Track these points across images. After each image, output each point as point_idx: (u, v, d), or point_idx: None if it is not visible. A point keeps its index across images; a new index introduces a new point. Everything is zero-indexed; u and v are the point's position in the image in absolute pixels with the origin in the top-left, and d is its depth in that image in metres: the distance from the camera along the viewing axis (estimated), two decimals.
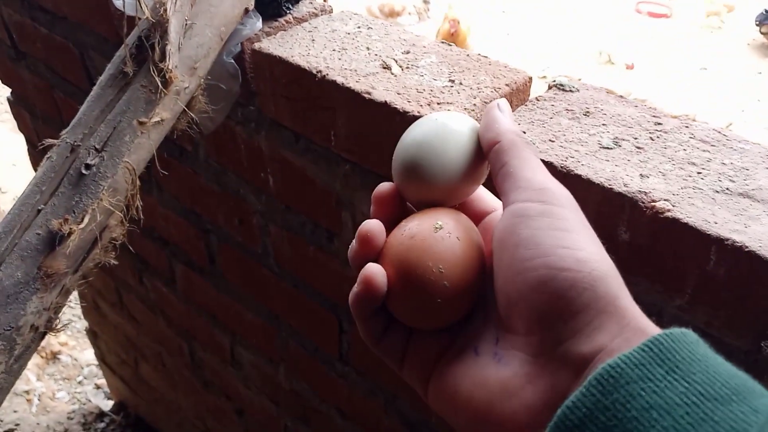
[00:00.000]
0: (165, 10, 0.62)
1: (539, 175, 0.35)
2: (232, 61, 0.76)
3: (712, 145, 0.59)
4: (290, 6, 0.80)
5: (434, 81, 0.69)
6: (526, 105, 0.65)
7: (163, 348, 1.49)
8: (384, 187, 0.40)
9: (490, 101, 0.67)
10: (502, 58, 0.73)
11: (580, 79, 0.72)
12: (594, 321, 0.31)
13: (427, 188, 0.38)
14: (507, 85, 0.68)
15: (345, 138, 0.71)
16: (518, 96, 0.70)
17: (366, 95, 0.66)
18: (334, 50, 0.73)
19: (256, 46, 0.74)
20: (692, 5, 4.86)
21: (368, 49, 0.74)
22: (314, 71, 0.69)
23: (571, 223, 0.33)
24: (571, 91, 0.66)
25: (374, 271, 0.36)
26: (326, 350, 0.96)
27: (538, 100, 0.66)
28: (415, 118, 0.64)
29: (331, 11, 0.83)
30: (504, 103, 0.39)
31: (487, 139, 0.38)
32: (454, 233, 0.36)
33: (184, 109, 0.67)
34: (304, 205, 0.82)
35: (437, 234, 0.36)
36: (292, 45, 0.74)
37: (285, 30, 0.77)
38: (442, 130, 0.39)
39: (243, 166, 0.87)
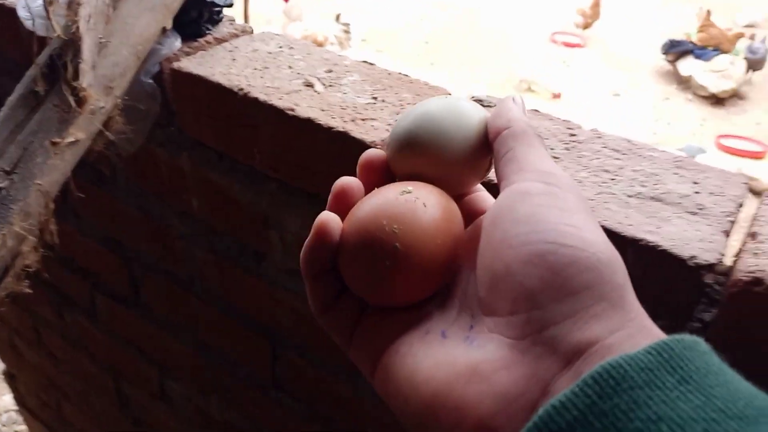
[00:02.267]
0: (77, 28, 0.61)
1: (546, 162, 0.32)
2: (151, 81, 0.74)
3: (624, 154, 0.62)
4: (210, 27, 0.80)
5: (357, 98, 0.69)
6: None
7: (88, 386, 1.42)
8: (373, 152, 0.37)
9: None
10: None
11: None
12: (593, 307, 0.27)
13: (420, 161, 0.36)
14: None
15: (269, 156, 0.70)
16: None
17: (289, 112, 0.66)
18: (255, 69, 0.73)
19: (175, 65, 0.73)
20: (604, 36, 5.13)
21: (290, 67, 0.74)
22: (235, 89, 0.69)
23: (577, 206, 0.30)
24: (489, 105, 0.68)
25: (328, 218, 0.32)
26: (259, 377, 0.94)
27: None
28: (339, 134, 0.64)
29: (252, 32, 0.83)
30: (519, 97, 0.36)
31: (497, 125, 0.34)
32: (423, 200, 0.32)
33: (100, 130, 0.66)
34: (231, 226, 0.81)
35: (402, 197, 0.32)
36: (213, 64, 0.73)
37: (205, 50, 0.77)
38: (452, 107, 0.36)
39: (165, 188, 0.85)
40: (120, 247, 1.01)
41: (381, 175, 0.37)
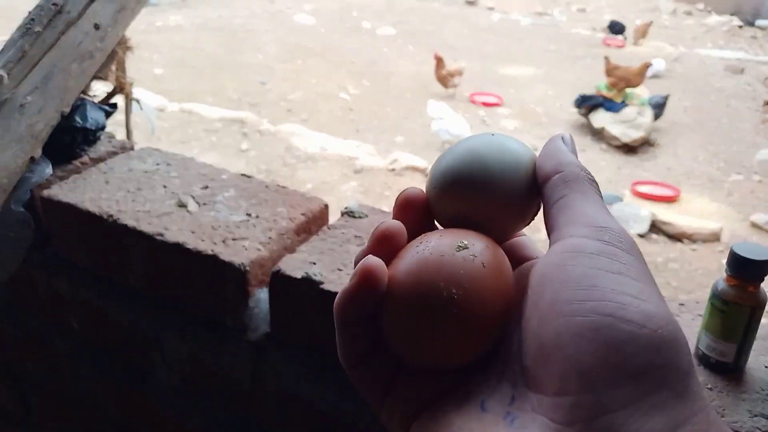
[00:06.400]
0: None
1: (601, 214, 0.29)
2: (22, 209, 0.73)
3: None
4: (86, 147, 0.80)
5: (231, 216, 0.70)
6: (318, 235, 0.68)
7: None
8: (412, 191, 0.33)
9: (285, 232, 0.69)
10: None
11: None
12: (654, 395, 0.23)
13: (467, 203, 0.32)
14: (303, 214, 0.71)
15: (144, 277, 0.70)
16: (316, 223, 0.72)
17: (158, 237, 0.66)
18: (128, 191, 0.73)
19: (45, 193, 0.72)
20: (520, 94, 5.36)
21: (165, 187, 0.74)
22: (105, 216, 0.68)
23: (636, 271, 0.26)
24: (360, 217, 0.70)
25: (375, 264, 0.28)
26: None
27: (329, 229, 0.68)
28: (209, 257, 0.64)
29: (131, 148, 0.83)
30: (568, 136, 0.33)
31: (547, 169, 0.31)
32: (480, 258, 0.29)
33: None
34: (112, 346, 0.79)
35: (459, 253, 0.29)
36: (84, 189, 0.73)
37: (79, 173, 0.76)
38: (498, 145, 0.33)
39: (45, 310, 0.83)
40: (7, 367, 0.97)
41: (421, 216, 0.33)
